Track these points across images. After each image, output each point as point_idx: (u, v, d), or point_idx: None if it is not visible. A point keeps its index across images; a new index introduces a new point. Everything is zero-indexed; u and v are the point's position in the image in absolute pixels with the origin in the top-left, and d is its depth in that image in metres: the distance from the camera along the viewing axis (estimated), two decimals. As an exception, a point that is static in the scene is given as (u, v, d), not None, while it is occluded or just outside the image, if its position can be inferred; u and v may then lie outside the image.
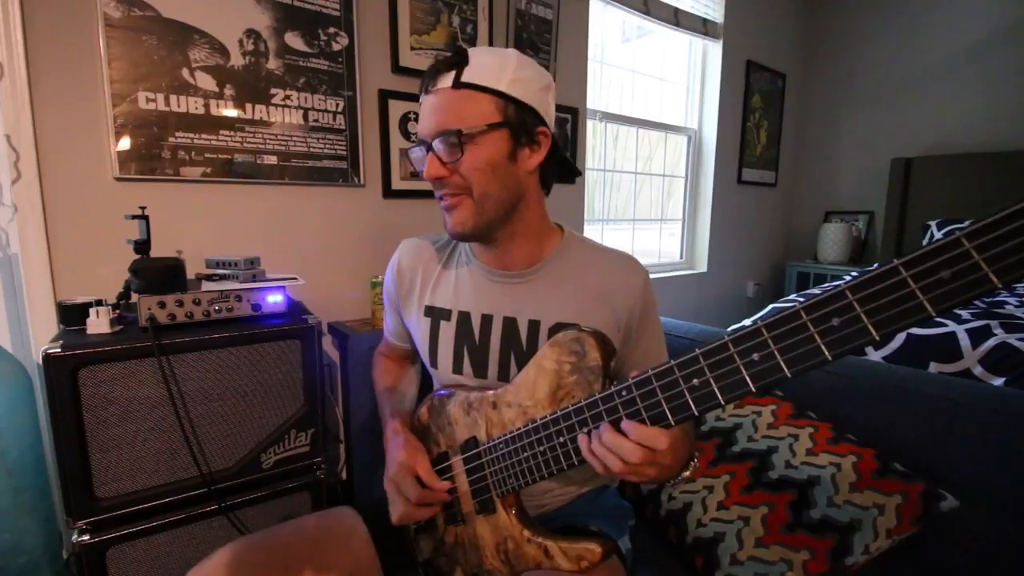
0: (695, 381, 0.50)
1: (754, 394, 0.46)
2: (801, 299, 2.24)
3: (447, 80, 0.68)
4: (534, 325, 0.75)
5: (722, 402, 0.48)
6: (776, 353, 0.44)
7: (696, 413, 0.51)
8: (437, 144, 0.68)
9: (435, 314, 0.81)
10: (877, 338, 0.39)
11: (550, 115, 0.74)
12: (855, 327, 0.40)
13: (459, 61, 0.68)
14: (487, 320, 0.78)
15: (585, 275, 0.77)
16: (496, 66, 0.68)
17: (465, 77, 0.67)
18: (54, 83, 1.18)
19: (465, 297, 0.80)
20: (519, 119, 0.69)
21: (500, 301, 0.78)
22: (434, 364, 0.82)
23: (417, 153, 0.73)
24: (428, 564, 0.79)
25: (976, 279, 0.34)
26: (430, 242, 0.87)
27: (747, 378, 0.46)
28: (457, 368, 0.79)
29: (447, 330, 0.80)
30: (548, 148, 0.73)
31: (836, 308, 0.41)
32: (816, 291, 2.45)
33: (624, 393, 0.55)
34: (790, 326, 0.43)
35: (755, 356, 0.46)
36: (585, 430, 0.59)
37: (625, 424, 0.55)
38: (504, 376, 0.76)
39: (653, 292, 0.80)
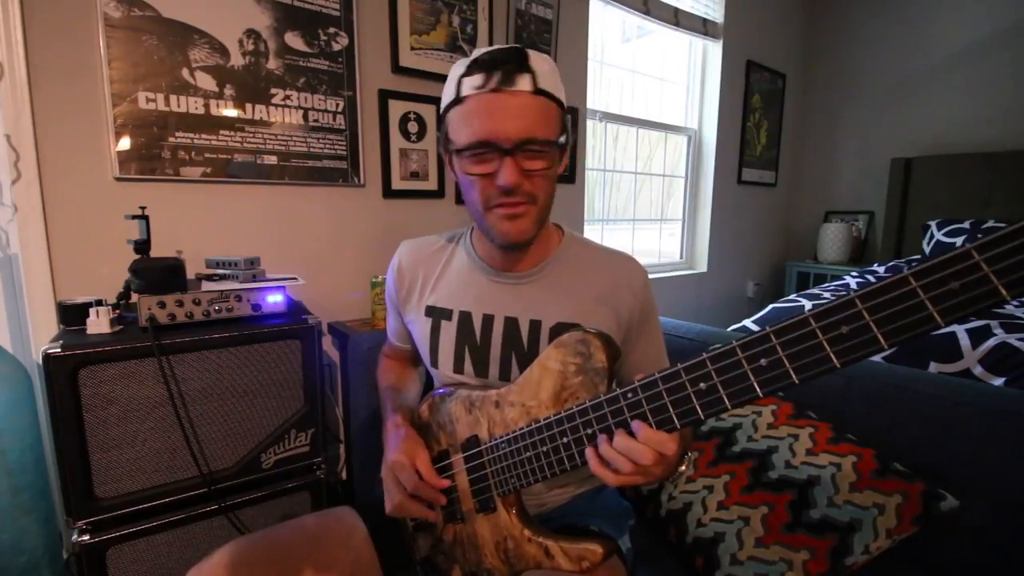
0: (702, 385, 0.50)
1: (761, 399, 0.46)
2: (802, 299, 2.23)
3: (526, 83, 0.65)
4: (535, 325, 0.75)
5: (729, 407, 0.49)
6: (784, 360, 0.44)
7: (703, 417, 0.51)
8: (522, 151, 0.66)
9: (436, 314, 0.81)
10: (886, 347, 0.39)
11: None
12: (864, 336, 0.40)
13: (527, 63, 0.66)
14: (488, 320, 0.78)
15: (586, 276, 0.78)
16: (554, 74, 0.69)
17: (541, 84, 0.66)
18: (54, 83, 1.17)
19: (467, 297, 0.80)
20: (566, 129, 0.72)
21: (502, 301, 0.78)
22: (435, 364, 0.82)
23: (472, 158, 0.68)
24: (426, 562, 0.79)
25: (986, 291, 0.34)
26: (430, 243, 0.87)
27: (755, 384, 0.46)
28: (458, 368, 0.79)
29: (448, 330, 0.80)
30: (568, 152, 0.75)
31: (845, 316, 0.41)
32: (817, 291, 2.42)
33: (630, 395, 0.55)
34: (799, 332, 0.44)
35: (763, 362, 0.46)
36: (588, 436, 0.59)
37: (635, 424, 0.54)
38: (505, 376, 0.76)
39: (652, 292, 0.81)
